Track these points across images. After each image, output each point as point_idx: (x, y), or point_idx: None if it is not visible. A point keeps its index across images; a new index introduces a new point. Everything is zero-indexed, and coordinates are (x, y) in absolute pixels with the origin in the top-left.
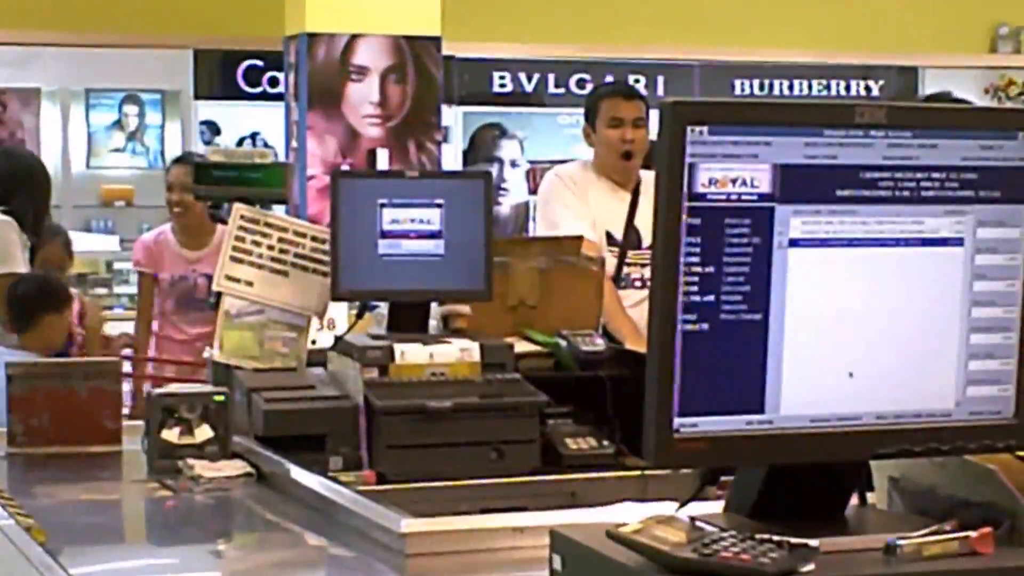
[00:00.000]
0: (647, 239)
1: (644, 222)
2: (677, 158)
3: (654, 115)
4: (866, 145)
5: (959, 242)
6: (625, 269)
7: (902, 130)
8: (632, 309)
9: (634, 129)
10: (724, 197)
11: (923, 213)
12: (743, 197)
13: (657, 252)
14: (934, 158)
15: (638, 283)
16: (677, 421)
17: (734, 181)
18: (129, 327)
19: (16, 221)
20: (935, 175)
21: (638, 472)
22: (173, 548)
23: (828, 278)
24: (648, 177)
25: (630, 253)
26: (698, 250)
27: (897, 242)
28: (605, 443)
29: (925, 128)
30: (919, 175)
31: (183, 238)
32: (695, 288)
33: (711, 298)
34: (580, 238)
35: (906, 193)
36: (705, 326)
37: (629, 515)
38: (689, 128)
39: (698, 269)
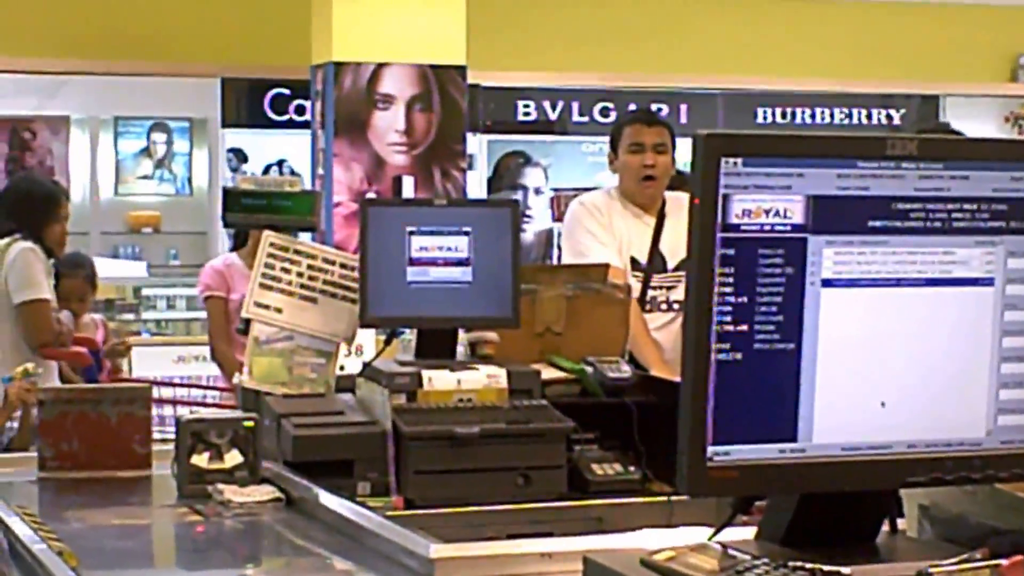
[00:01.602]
0: (672, 262)
1: (669, 245)
2: (711, 189)
3: (674, 141)
4: (898, 177)
5: (990, 282)
6: (650, 293)
7: (933, 162)
8: (658, 332)
9: (655, 155)
10: (757, 228)
11: (954, 244)
12: (776, 228)
13: (691, 282)
14: (965, 189)
15: (664, 306)
16: (710, 449)
17: (767, 212)
18: (156, 352)
19: (41, 247)
20: (966, 206)
21: (664, 498)
22: (202, 573)
23: (860, 311)
24: (674, 198)
25: (655, 277)
26: (732, 280)
27: (929, 282)
28: (631, 469)
29: (956, 160)
30: (950, 206)
31: (251, 260)
32: (729, 318)
33: (744, 328)
34: (606, 265)
35: (937, 224)
36: (738, 355)
37: (657, 541)
38: (723, 160)
39: (732, 299)
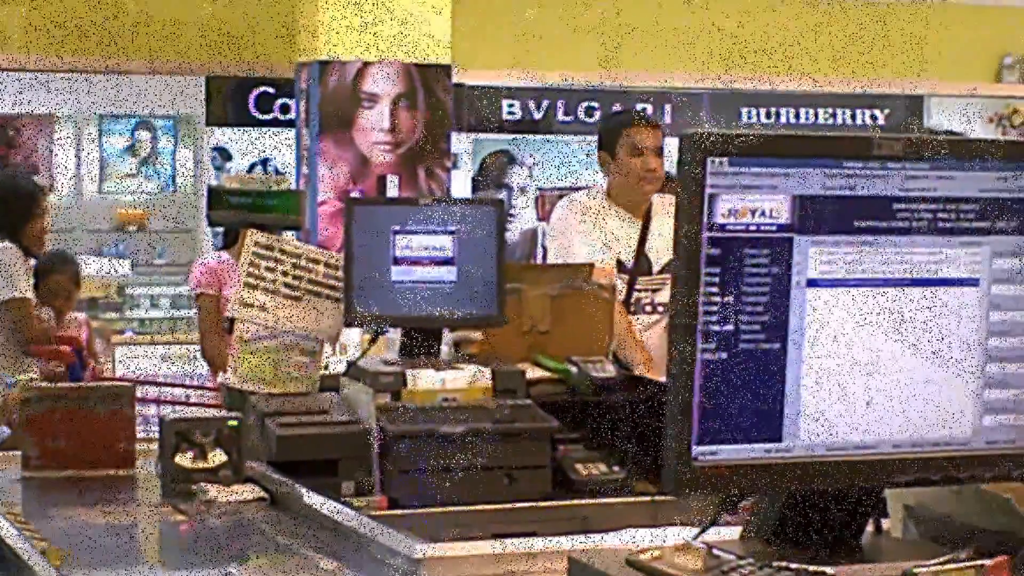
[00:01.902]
0: (657, 265)
1: (654, 248)
2: (697, 189)
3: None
4: (884, 177)
5: (975, 282)
6: (635, 295)
7: (919, 162)
8: (642, 334)
9: (656, 157)
10: (743, 228)
11: (940, 244)
12: (762, 228)
13: (677, 281)
14: (951, 189)
15: (648, 308)
16: (696, 449)
17: (753, 212)
18: (140, 350)
19: (17, 246)
20: (952, 206)
21: (649, 498)
22: (187, 572)
23: (846, 310)
24: (660, 200)
25: (640, 279)
26: (717, 280)
27: (914, 282)
28: (616, 468)
29: (942, 160)
30: (936, 206)
31: None
32: (714, 317)
33: (730, 327)
34: (591, 265)
35: (923, 224)
36: (724, 355)
37: (642, 541)
38: (709, 159)
39: (717, 298)
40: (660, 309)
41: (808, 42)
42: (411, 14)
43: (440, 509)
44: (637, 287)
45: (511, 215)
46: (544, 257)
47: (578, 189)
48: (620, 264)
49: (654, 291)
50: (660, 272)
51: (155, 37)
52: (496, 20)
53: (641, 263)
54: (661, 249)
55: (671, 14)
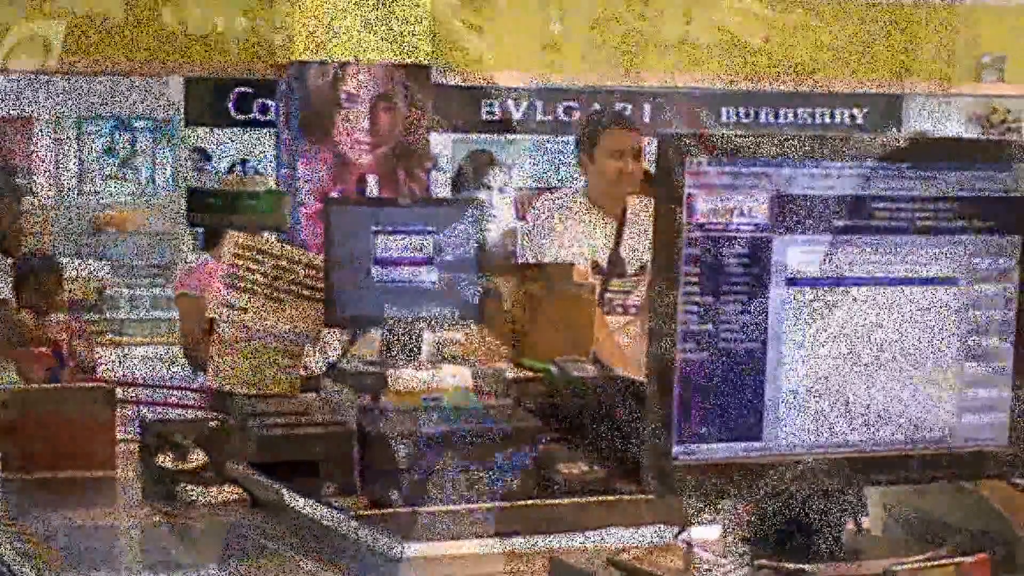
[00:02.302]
0: (631, 267)
1: (629, 249)
2: (676, 189)
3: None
4: (863, 176)
5: (954, 281)
6: (608, 295)
7: (898, 162)
8: (616, 334)
9: (634, 160)
10: (723, 227)
11: (919, 243)
12: (742, 227)
13: (656, 281)
14: (929, 189)
15: (620, 309)
16: (675, 448)
17: (732, 212)
18: (120, 352)
19: None
20: (930, 206)
21: (630, 497)
22: (168, 574)
23: (825, 310)
24: (635, 202)
25: (614, 280)
26: (697, 279)
27: (894, 281)
28: (597, 468)
29: (921, 160)
30: (914, 206)
31: None
32: (694, 317)
33: (709, 326)
34: (571, 265)
35: (902, 223)
36: (703, 354)
37: (624, 540)
38: (688, 160)
39: (697, 298)
40: (632, 311)
41: (787, 42)
42: (391, 15)
43: (421, 509)
44: (610, 288)
45: (491, 215)
46: (524, 257)
47: (557, 189)
48: (595, 265)
49: (626, 293)
50: (634, 274)
51: (134, 38)
52: (476, 21)
53: (615, 265)
54: (636, 251)
55: (648, 14)
